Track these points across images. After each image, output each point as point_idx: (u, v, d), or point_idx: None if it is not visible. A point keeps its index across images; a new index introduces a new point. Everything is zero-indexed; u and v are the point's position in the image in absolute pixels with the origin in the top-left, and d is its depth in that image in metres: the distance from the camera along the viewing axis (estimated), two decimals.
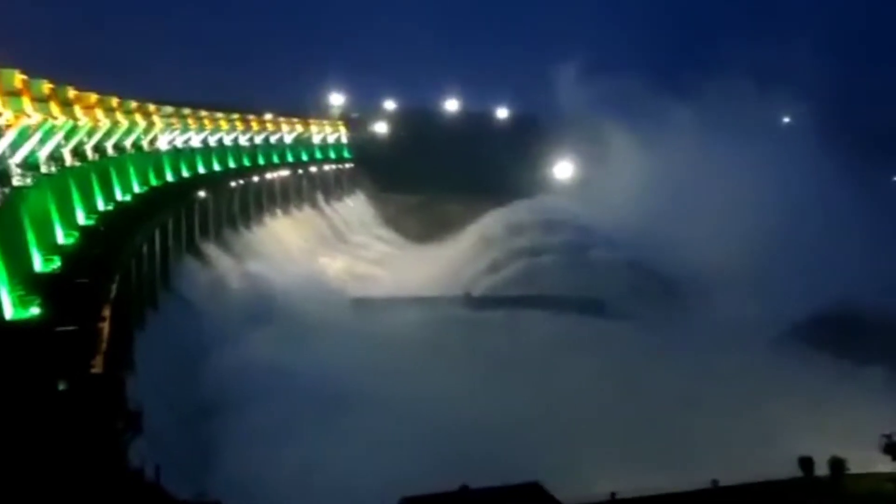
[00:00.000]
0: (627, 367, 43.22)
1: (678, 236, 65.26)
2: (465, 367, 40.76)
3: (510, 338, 49.00)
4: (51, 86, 34.75)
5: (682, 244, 64.14)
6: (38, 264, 28.64)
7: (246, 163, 74.57)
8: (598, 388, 38.48)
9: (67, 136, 38.05)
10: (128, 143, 49.12)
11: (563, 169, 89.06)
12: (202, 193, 55.45)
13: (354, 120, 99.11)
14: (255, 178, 70.84)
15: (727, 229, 63.80)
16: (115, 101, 46.86)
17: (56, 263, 28.57)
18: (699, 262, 61.62)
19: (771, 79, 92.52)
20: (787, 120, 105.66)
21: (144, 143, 53.12)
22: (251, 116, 77.73)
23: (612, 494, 24.82)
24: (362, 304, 55.31)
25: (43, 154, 33.96)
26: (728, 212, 66.19)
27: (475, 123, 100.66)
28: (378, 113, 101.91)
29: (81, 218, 36.43)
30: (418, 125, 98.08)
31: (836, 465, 26.63)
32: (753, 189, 68.65)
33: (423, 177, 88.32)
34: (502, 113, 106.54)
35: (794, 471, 26.83)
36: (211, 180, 61.52)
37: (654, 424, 34.88)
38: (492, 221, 79.25)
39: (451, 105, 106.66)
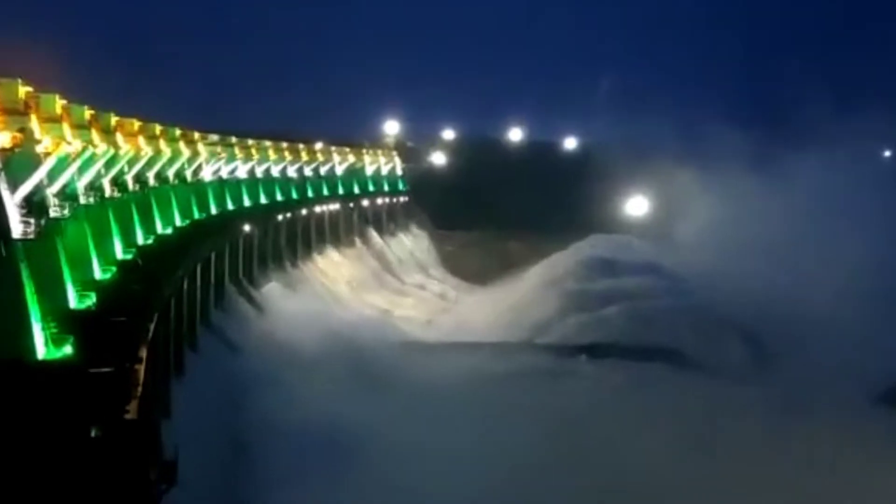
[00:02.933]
0: (707, 425, 42.21)
1: (765, 279, 64.03)
2: (527, 423, 40.10)
3: (577, 390, 48.17)
4: (92, 111, 35.46)
5: (769, 288, 62.89)
6: (73, 300, 28.90)
7: (294, 195, 75.36)
8: (675, 451, 37.52)
9: (108, 165, 38.80)
10: (170, 172, 49.86)
11: (637, 205, 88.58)
12: (248, 227, 56.12)
13: (410, 149, 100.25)
14: (304, 212, 71.63)
15: (821, 272, 62.45)
16: (158, 129, 47.65)
17: (92, 300, 28.77)
18: (789, 309, 60.26)
19: (870, 107, 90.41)
20: (888, 154, 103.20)
21: (188, 174, 53.96)
22: (301, 145, 78.78)
23: None
24: (415, 349, 55.21)
25: (81, 184, 34.66)
26: (823, 253, 64.97)
27: (540, 154, 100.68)
28: (436, 142, 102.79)
29: (120, 252, 36.90)
30: (479, 155, 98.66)
31: None
32: (853, 228, 67.06)
33: (483, 212, 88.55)
34: (570, 143, 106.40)
35: None
36: (257, 213, 62.35)
37: (735, 495, 33.86)
38: (559, 262, 79.11)
39: (515, 134, 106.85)
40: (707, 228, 72.29)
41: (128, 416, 20.52)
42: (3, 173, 26.00)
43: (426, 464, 33.80)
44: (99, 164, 36.85)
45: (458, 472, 33.97)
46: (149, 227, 43.21)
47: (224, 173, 62.78)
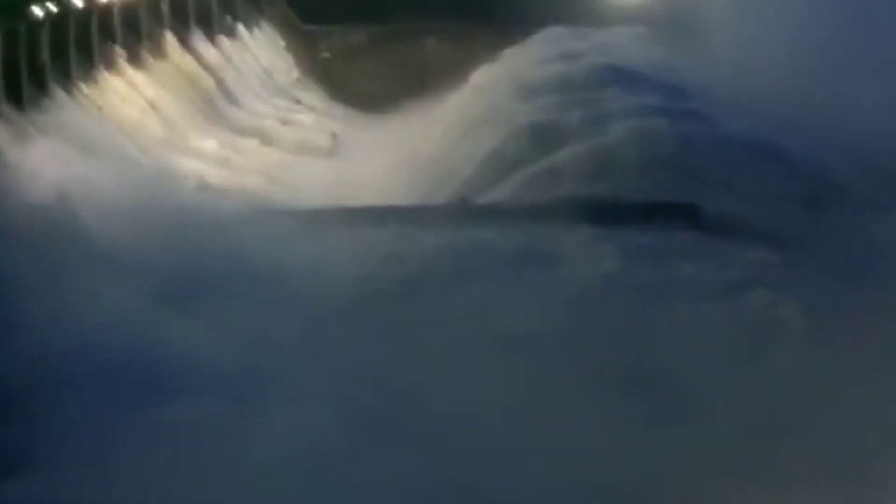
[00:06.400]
0: (745, 322, 43.08)
1: (824, 109, 65.04)
2: (467, 342, 39.91)
3: (545, 281, 48.38)
4: None
5: (829, 122, 64.11)
6: None
7: None
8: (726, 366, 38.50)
9: None
10: None
11: None
12: None
13: None
14: (79, 2, 69.12)
15: None
16: None
17: None
18: (858, 152, 62.26)
19: None
20: None
21: None
22: None
23: None
24: (277, 220, 54.77)
25: None
26: None
27: None
28: None
29: None
30: None
31: None
32: None
33: None
34: None
35: None
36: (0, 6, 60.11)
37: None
38: (503, 71, 78.93)
39: None
40: (751, 29, 73.47)
41: None
42: None
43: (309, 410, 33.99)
44: None
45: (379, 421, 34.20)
46: None
47: None
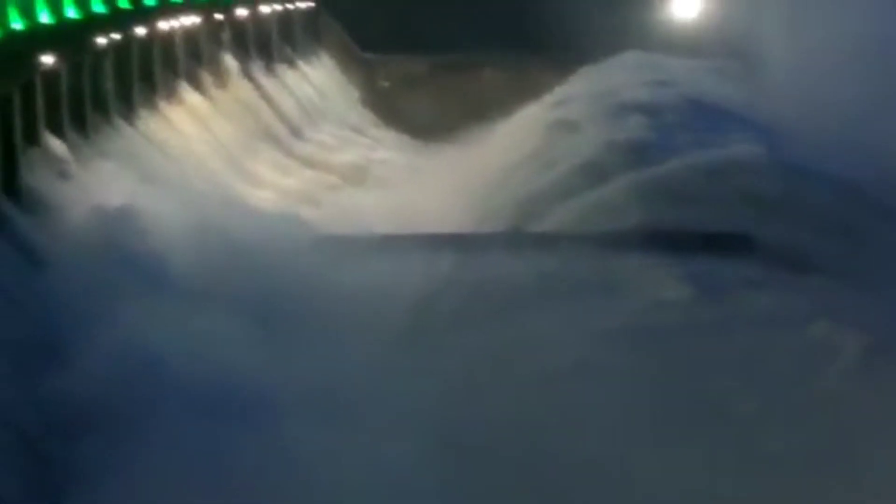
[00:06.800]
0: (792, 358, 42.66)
1: (887, 140, 64.48)
2: (523, 370, 40.46)
3: (600, 310, 48.28)
4: None
5: (892, 154, 63.41)
6: None
7: (124, 3, 73.72)
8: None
9: None
10: None
11: (686, 5, 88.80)
12: (49, 59, 54.95)
13: None
14: (142, 31, 69.93)
15: None
16: None
17: None
18: None
19: None
20: None
21: None
22: None
23: None
24: (336, 247, 55.18)
25: None
26: None
27: None
28: None
29: None
30: None
31: None
32: None
33: (438, 21, 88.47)
34: None
35: None
36: (64, 35, 60.72)
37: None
38: (560, 100, 79.10)
39: None
40: (801, 45, 73.19)
41: None
42: None
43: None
44: None
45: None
46: None
47: None
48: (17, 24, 59.85)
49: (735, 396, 38.50)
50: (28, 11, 62.28)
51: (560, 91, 79.88)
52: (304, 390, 37.79)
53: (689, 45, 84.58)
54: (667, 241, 56.58)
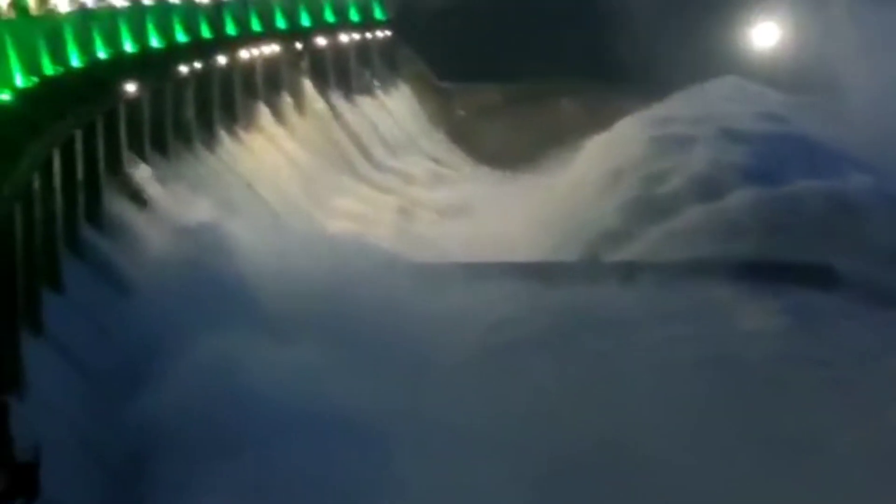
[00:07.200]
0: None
1: None
2: (611, 402, 40.25)
3: (676, 341, 47.86)
4: None
5: None
6: None
7: (206, 32, 74.45)
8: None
9: None
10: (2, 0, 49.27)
11: (766, 33, 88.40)
12: (132, 88, 55.62)
13: None
14: (223, 60, 71.02)
15: None
16: None
17: None
18: None
19: None
20: None
21: (31, 1, 53.17)
22: None
23: None
24: (416, 274, 55.07)
25: None
26: None
27: None
28: None
29: None
30: None
31: None
32: None
33: (515, 50, 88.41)
34: None
35: None
36: (147, 64, 61.57)
37: None
38: (635, 129, 78.45)
39: None
40: (884, 74, 72.63)
41: None
42: None
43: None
44: None
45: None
46: None
47: None
48: (102, 53, 61.02)
49: (828, 429, 38.15)
50: (113, 40, 63.26)
51: (631, 123, 79.83)
52: (391, 413, 37.89)
53: (768, 73, 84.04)
54: (750, 271, 56.42)
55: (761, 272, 56.67)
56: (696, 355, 45.53)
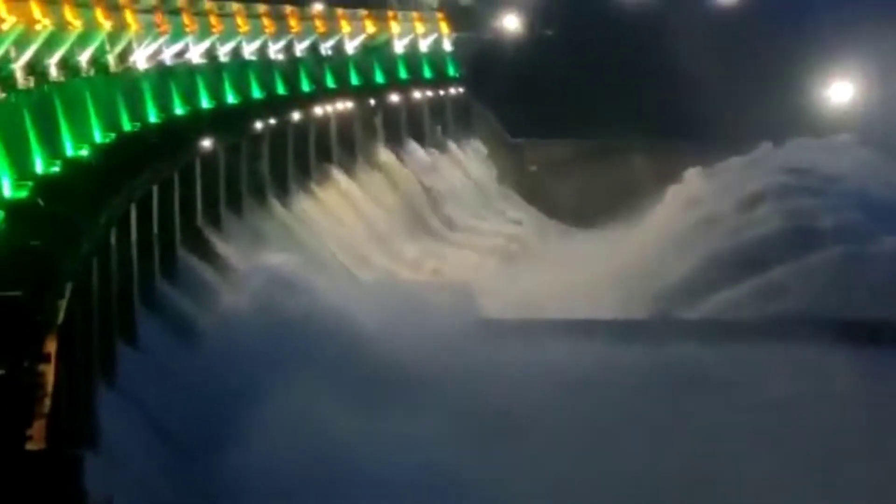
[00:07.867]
0: None
1: None
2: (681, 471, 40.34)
3: (752, 403, 47.48)
4: None
5: None
6: None
7: (281, 89, 75.33)
8: None
9: None
10: (83, 57, 49.64)
11: (841, 91, 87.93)
12: (208, 143, 56.19)
13: (465, 10, 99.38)
14: (297, 116, 71.68)
15: None
16: None
17: None
18: None
19: None
20: None
21: (111, 58, 53.54)
22: (288, 8, 78.23)
23: None
24: (486, 331, 55.12)
25: None
26: None
27: (678, 12, 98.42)
28: None
29: (7, 188, 36.42)
30: (577, 17, 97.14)
31: None
32: None
33: (586, 109, 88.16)
34: None
35: None
36: (223, 120, 62.34)
37: None
38: (708, 187, 78.79)
39: None
40: None
41: (30, 446, 20.75)
42: None
43: None
44: None
45: None
46: (51, 146, 42.62)
47: (168, 57, 62.28)
48: (179, 109, 61.78)
49: None
50: (190, 97, 64.08)
51: (701, 179, 79.86)
52: (482, 473, 38.27)
53: (842, 129, 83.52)
54: (829, 330, 55.14)
55: (844, 330, 55.86)
56: (791, 420, 45.28)
